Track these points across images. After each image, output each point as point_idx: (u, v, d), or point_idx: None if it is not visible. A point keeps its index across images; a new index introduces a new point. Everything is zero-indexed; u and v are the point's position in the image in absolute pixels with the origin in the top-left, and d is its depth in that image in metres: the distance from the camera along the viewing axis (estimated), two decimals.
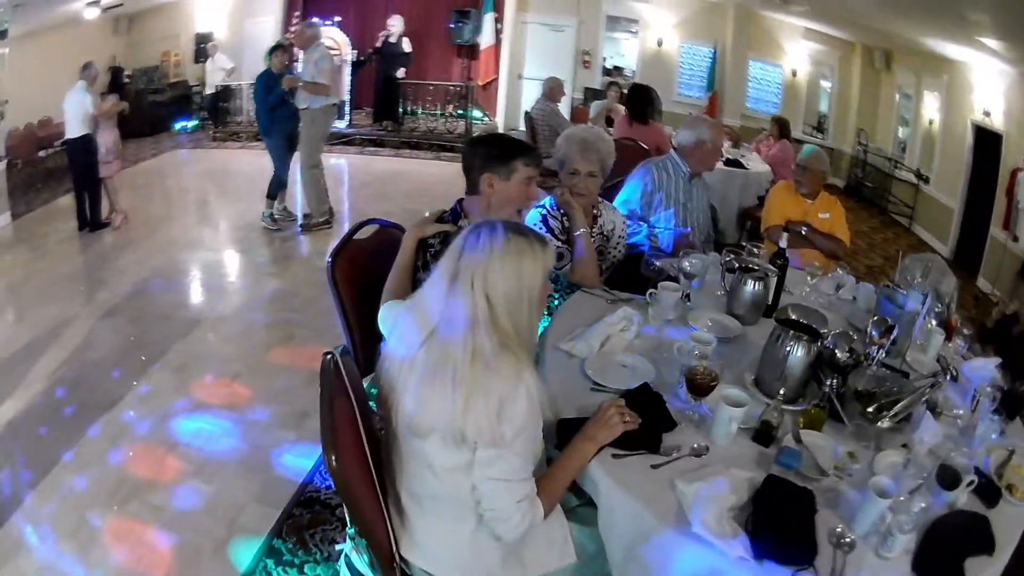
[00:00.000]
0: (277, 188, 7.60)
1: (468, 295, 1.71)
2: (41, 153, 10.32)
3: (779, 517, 1.83)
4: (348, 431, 1.86)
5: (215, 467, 3.55)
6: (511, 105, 12.22)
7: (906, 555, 1.79)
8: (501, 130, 11.72)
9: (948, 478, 1.97)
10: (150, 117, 12.55)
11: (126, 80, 11.80)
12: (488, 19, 11.79)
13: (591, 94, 11.31)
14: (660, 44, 11.15)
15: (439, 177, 9.79)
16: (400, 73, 11.71)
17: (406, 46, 11.71)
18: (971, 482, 1.94)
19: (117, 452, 3.72)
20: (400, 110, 11.92)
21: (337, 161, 10.28)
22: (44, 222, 8.33)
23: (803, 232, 4.46)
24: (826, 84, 10.62)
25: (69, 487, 3.43)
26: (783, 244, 3.17)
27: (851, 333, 2.60)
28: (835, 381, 2.29)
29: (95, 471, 3.56)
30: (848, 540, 1.79)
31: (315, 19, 8.86)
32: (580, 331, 2.65)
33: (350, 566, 2.08)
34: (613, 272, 3.49)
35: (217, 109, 12.54)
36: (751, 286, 2.93)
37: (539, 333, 2.45)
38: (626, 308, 2.81)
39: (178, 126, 12.90)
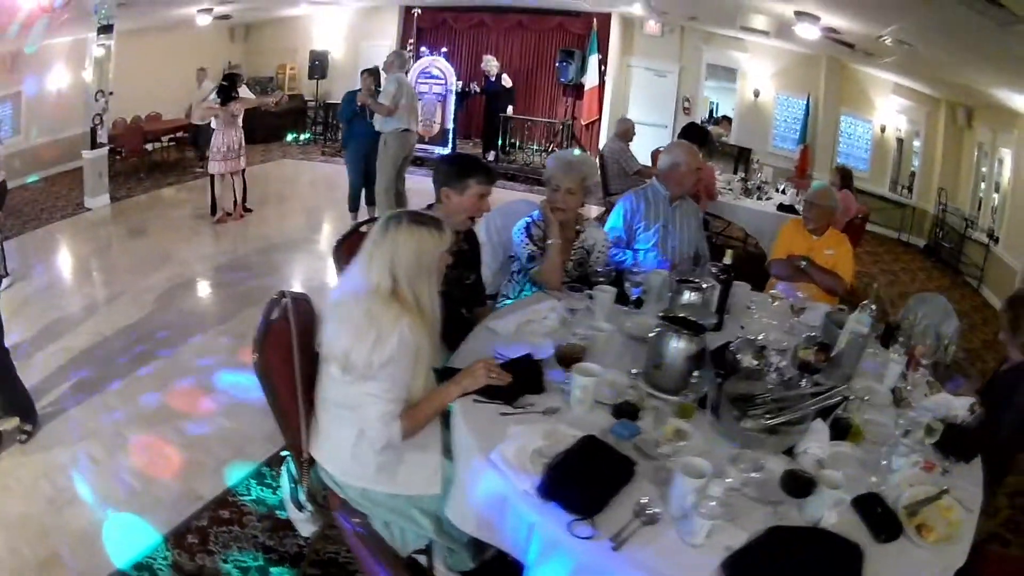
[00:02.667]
0: (353, 202, 8.12)
1: (377, 270, 2.25)
2: (148, 146, 11.11)
3: (580, 470, 1.94)
4: (280, 339, 2.44)
5: (239, 410, 4.20)
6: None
7: (711, 544, 1.78)
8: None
9: (794, 485, 1.95)
10: (263, 125, 13.22)
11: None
12: (593, 60, 11.89)
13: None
14: (757, 95, 11.01)
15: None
16: (509, 107, 12.11)
17: (506, 82, 12.12)
18: (840, 501, 1.91)
19: (164, 388, 4.54)
20: (500, 142, 12.22)
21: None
22: (144, 208, 9.20)
23: (802, 266, 4.37)
24: (914, 141, 10.22)
25: (113, 406, 4.32)
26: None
27: (766, 344, 2.68)
28: (714, 379, 2.34)
29: (141, 398, 4.43)
30: (651, 512, 1.82)
31: (404, 49, 9.30)
32: (510, 315, 3.00)
33: (288, 472, 2.57)
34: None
35: (328, 125, 13.20)
36: (687, 296, 3.04)
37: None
38: (552, 301, 3.10)
39: (290, 137, 13.64)
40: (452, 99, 11.71)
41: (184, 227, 8.25)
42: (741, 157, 10.08)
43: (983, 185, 8.97)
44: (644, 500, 1.85)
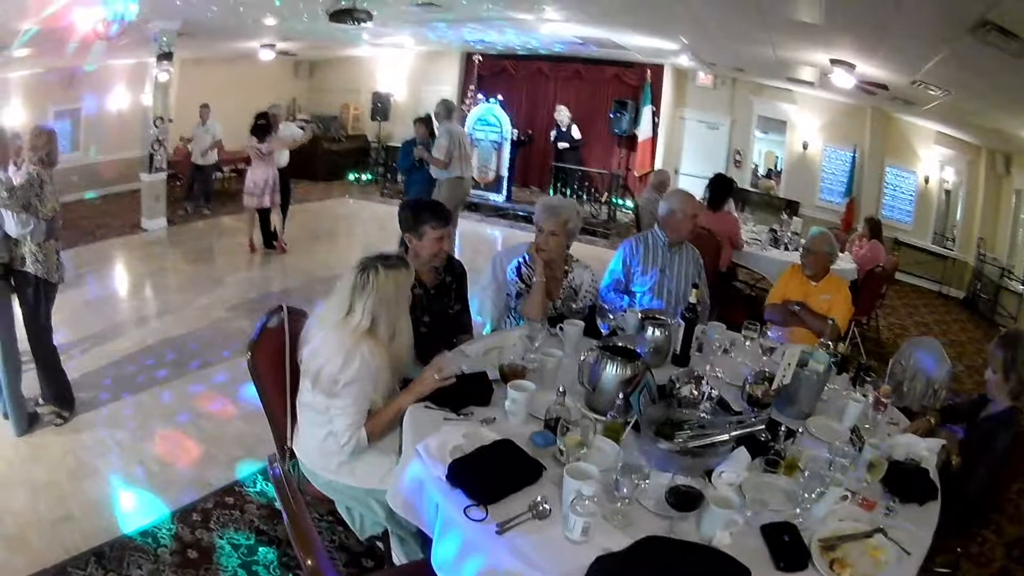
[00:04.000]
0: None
1: (359, 312, 2.62)
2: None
3: (486, 464, 2.21)
4: (270, 348, 2.94)
5: (256, 416, 4.52)
6: None
7: (591, 544, 1.93)
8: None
9: (678, 499, 2.06)
10: (324, 163, 13.78)
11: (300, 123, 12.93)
12: (646, 112, 12.08)
13: (740, 194, 11.05)
14: (805, 147, 10.97)
15: None
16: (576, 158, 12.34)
17: (576, 133, 12.41)
18: (731, 522, 1.99)
19: (191, 392, 5.05)
20: (551, 191, 12.19)
21: (491, 231, 11.24)
22: (198, 234, 9.75)
23: (795, 311, 4.48)
24: (955, 192, 10.06)
25: (143, 402, 4.85)
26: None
27: (703, 376, 2.89)
28: (640, 402, 2.52)
29: (169, 397, 4.96)
30: (542, 509, 2.04)
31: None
32: (483, 340, 3.33)
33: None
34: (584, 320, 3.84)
35: (387, 167, 13.46)
36: (650, 332, 3.29)
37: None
38: (522, 330, 3.29)
39: (351, 176, 14.07)
40: (507, 146, 12.00)
41: (234, 255, 8.73)
42: (789, 210, 10.06)
43: (1021, 232, 8.88)
44: (540, 499, 2.06)
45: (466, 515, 2.01)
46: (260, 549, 3.42)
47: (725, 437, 2.39)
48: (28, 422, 4.37)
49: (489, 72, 13.82)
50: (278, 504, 1.84)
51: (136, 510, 3.71)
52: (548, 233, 3.67)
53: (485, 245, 10.24)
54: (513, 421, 2.57)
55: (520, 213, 11.67)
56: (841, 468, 2.32)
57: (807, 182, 10.94)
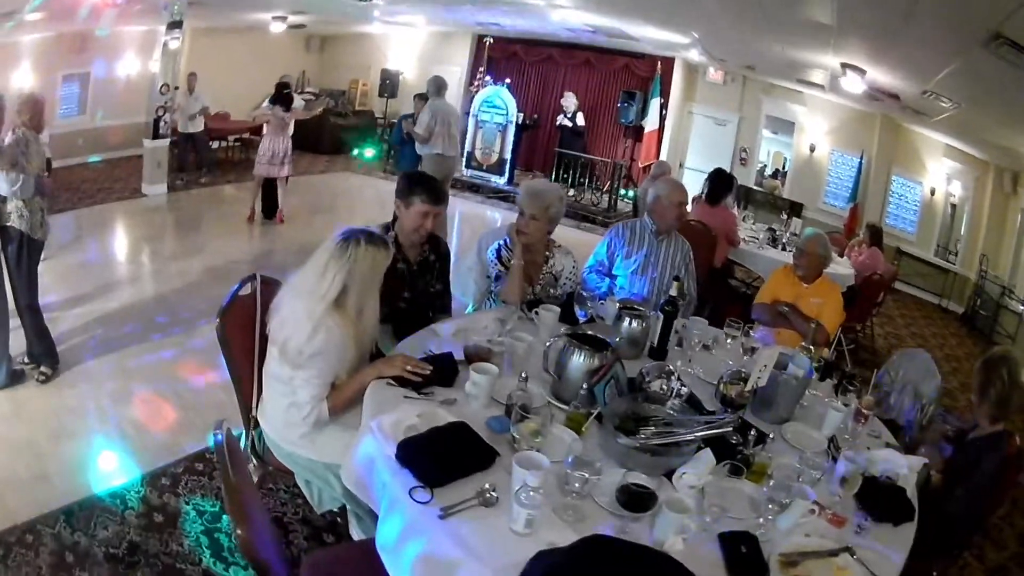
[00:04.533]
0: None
1: (329, 281, 2.59)
2: (213, 144, 11.46)
3: (436, 446, 2.16)
4: (240, 316, 2.93)
5: None
6: None
7: (536, 537, 1.89)
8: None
9: (628, 499, 1.99)
10: (330, 137, 13.78)
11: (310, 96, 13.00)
12: (655, 104, 12.02)
13: (745, 193, 11.06)
14: (812, 150, 10.89)
15: (561, 238, 10.24)
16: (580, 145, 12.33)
17: (580, 121, 12.41)
18: (684, 527, 1.93)
19: (174, 357, 5.07)
20: (553, 177, 12.04)
21: (491, 212, 11.20)
22: (198, 201, 9.77)
23: (783, 311, 4.41)
24: (961, 206, 9.97)
25: (126, 365, 4.88)
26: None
27: (674, 371, 2.82)
28: (605, 394, 2.49)
29: (151, 361, 5.00)
30: (489, 496, 2.00)
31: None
32: (455, 320, 3.29)
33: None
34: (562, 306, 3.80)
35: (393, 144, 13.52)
36: (627, 322, 3.21)
37: None
38: (495, 313, 3.32)
39: (356, 152, 14.02)
40: (512, 130, 11.99)
41: (231, 223, 8.74)
42: (793, 211, 10.03)
43: None
44: (488, 486, 2.02)
45: (411, 496, 1.97)
46: (224, 517, 3.41)
47: (690, 437, 2.32)
48: (11, 378, 4.42)
49: (500, 55, 13.81)
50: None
51: (109, 472, 3.74)
52: (529, 216, 3.64)
53: (485, 226, 10.13)
54: (474, 405, 2.52)
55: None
56: (811, 479, 2.25)
57: (812, 185, 10.87)
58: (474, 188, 11.95)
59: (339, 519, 3.23)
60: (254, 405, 2.92)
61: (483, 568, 1.78)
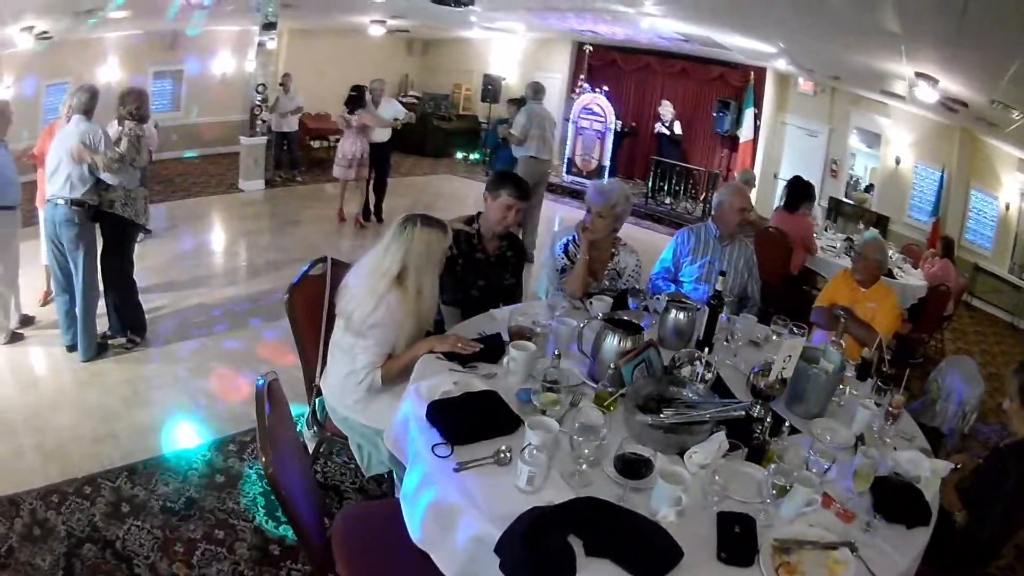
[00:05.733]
0: None
1: (390, 260, 2.85)
2: (314, 143, 11.97)
3: (463, 410, 2.35)
4: (309, 293, 3.28)
5: None
6: (762, 202, 11.65)
7: (538, 495, 1.99)
8: None
9: (623, 467, 2.09)
10: (434, 140, 14.18)
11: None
12: (749, 114, 11.91)
13: (835, 205, 10.82)
14: (898, 162, 10.50)
15: (649, 244, 10.28)
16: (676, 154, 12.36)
17: (677, 129, 12.47)
18: (677, 500, 1.97)
19: (254, 340, 5.44)
20: (650, 185, 12.24)
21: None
22: (293, 198, 10.17)
23: (839, 315, 4.30)
24: None
25: (209, 345, 5.29)
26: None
27: (702, 357, 2.88)
28: (632, 375, 2.61)
29: (232, 342, 5.38)
30: (504, 455, 2.14)
31: (538, 82, 9.68)
32: (512, 307, 3.43)
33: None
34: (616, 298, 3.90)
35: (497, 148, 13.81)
36: (673, 314, 3.28)
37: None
38: (550, 301, 3.49)
39: (460, 155, 14.36)
40: (610, 137, 12.10)
41: (323, 222, 9.09)
42: (879, 224, 9.76)
43: None
44: (505, 447, 2.16)
45: (433, 451, 2.15)
46: None
47: (704, 418, 2.40)
48: (96, 350, 4.84)
49: (599, 63, 13.89)
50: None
51: (178, 436, 4.05)
52: (595, 214, 3.76)
53: None
54: (511, 379, 2.68)
55: None
56: (818, 468, 2.24)
57: (898, 198, 10.49)
58: (574, 194, 12.08)
59: (386, 484, 3.44)
60: (318, 375, 3.21)
61: (481, 516, 1.91)
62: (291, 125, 11.00)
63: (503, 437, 2.26)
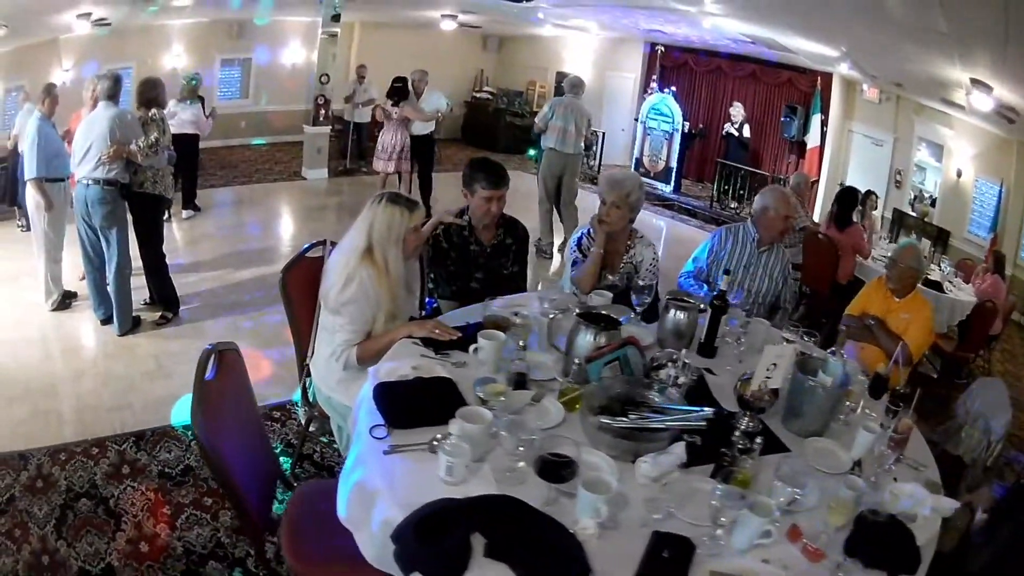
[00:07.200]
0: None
1: (357, 234, 2.91)
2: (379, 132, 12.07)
3: (410, 394, 2.38)
4: (305, 274, 3.31)
5: None
6: (825, 210, 11.23)
7: (460, 486, 1.96)
8: None
9: (542, 468, 1.95)
10: (506, 136, 14.29)
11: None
12: (815, 120, 11.55)
13: (898, 217, 10.39)
14: (959, 175, 9.97)
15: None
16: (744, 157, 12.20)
17: (746, 133, 12.34)
18: (596, 511, 1.83)
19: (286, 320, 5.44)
20: (716, 189, 12.05)
21: (656, 220, 11.09)
22: (356, 188, 10.30)
23: (869, 324, 4.18)
24: None
25: (239, 325, 5.46)
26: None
27: (678, 359, 2.71)
28: (599, 372, 2.54)
29: (262, 323, 5.48)
30: (437, 443, 2.06)
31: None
32: (510, 297, 3.39)
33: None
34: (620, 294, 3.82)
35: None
36: (672, 314, 3.11)
37: None
38: (546, 293, 3.38)
39: (531, 152, 14.01)
40: (677, 138, 11.97)
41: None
42: (940, 238, 9.40)
43: None
44: (442, 436, 2.08)
45: (370, 432, 2.16)
46: (281, 458, 3.77)
47: (660, 425, 2.27)
48: (132, 324, 5.09)
49: (671, 64, 13.79)
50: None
51: (190, 408, 4.16)
52: (611, 205, 3.69)
53: (651, 232, 9.98)
54: (482, 369, 2.64)
55: (685, 206, 11.74)
56: (786, 497, 1.99)
57: (958, 212, 10.01)
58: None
59: None
60: (309, 355, 3.25)
61: (393, 502, 1.89)
62: (364, 116, 11.07)
63: (447, 426, 2.19)
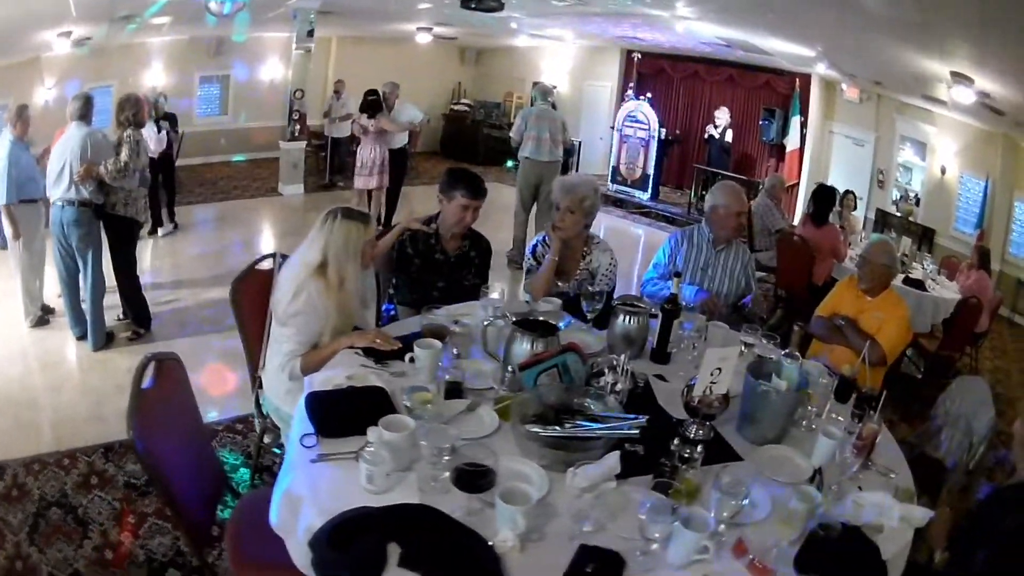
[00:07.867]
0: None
1: (313, 251, 2.93)
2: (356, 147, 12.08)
3: (341, 403, 2.39)
4: (255, 286, 3.36)
5: None
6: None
7: (384, 495, 1.96)
8: None
9: (458, 478, 1.91)
10: (483, 148, 14.31)
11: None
12: (795, 122, 11.58)
13: (881, 216, 10.34)
14: (943, 172, 9.94)
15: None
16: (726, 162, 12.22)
17: (728, 138, 12.37)
18: (514, 524, 1.80)
19: None
20: (694, 195, 11.94)
21: (634, 228, 11.22)
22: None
23: (839, 325, 4.05)
24: None
25: (210, 343, 5.45)
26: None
27: (617, 365, 2.64)
28: (534, 380, 2.52)
29: (235, 339, 5.11)
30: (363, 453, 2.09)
31: (544, 83, 9.76)
32: (456, 307, 3.36)
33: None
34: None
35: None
36: (622, 319, 3.05)
37: None
38: (490, 300, 3.30)
39: (510, 164, 13.94)
40: (654, 144, 11.99)
41: None
42: (924, 237, 9.40)
43: None
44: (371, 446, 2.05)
45: (300, 441, 2.18)
46: (241, 470, 3.94)
47: (591, 435, 2.21)
48: (104, 340, 5.19)
49: (648, 70, 13.82)
50: None
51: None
52: (564, 210, 3.68)
53: (628, 240, 10.36)
54: (419, 378, 2.62)
55: (663, 213, 11.76)
56: (730, 509, 1.89)
57: (944, 210, 10.01)
58: (619, 203, 12.10)
59: None
60: (260, 366, 3.28)
61: (315, 509, 1.90)
62: (343, 131, 10.98)
63: None
